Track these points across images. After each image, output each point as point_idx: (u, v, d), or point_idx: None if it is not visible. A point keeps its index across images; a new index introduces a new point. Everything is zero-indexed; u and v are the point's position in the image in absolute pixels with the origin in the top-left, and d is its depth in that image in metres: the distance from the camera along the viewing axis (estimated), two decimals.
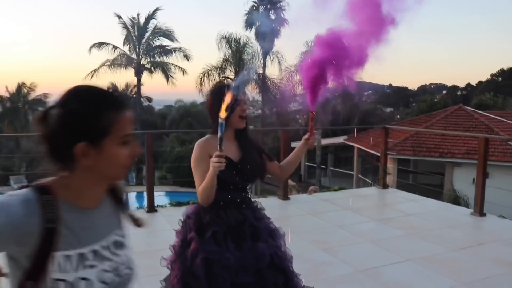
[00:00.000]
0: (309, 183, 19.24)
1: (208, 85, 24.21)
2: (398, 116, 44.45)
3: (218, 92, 2.09)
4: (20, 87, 27.62)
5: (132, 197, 20.04)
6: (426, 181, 16.85)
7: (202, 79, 24.53)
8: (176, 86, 28.17)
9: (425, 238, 4.78)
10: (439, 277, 3.77)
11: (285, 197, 6.47)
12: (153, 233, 5.08)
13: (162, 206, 5.98)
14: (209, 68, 24.60)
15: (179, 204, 6.07)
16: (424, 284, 3.63)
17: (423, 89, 74.87)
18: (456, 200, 12.62)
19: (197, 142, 2.18)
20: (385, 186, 7.27)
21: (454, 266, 4.00)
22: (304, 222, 5.42)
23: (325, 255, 4.26)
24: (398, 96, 70.54)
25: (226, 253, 2.05)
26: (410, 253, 4.30)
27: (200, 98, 28.37)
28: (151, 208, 5.69)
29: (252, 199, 2.34)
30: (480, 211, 5.66)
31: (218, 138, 1.85)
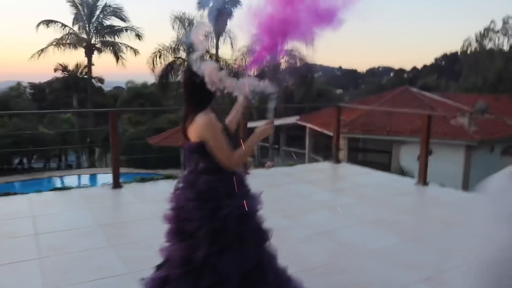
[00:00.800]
0: (263, 163, 19.73)
1: (160, 66, 23.95)
2: (347, 97, 45.69)
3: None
4: None
5: (85, 179, 19.80)
6: (374, 159, 17.80)
7: (154, 59, 24.23)
8: (127, 67, 27.57)
9: (375, 205, 5.26)
10: (387, 235, 4.24)
11: (245, 172, 6.79)
12: (120, 207, 5.30)
13: (126, 182, 6.15)
14: (161, 48, 24.31)
15: (142, 180, 6.27)
16: (375, 241, 4.07)
17: (372, 71, 76.94)
18: (403, 175, 13.49)
19: (207, 117, 2.28)
20: (337, 161, 7.75)
21: (400, 226, 4.49)
22: (265, 193, 5.76)
23: (286, 220, 4.64)
24: (347, 78, 72.32)
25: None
26: (362, 217, 4.75)
27: (151, 79, 27.91)
28: (117, 185, 5.85)
29: None
30: (423, 181, 6.23)
31: (272, 109, 2.31)
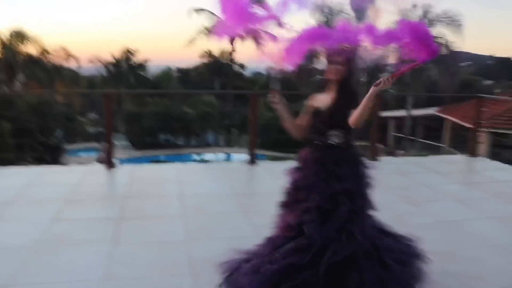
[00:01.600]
0: (396, 152, 19.15)
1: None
2: (499, 89, 41.53)
3: None
4: (125, 53, 29.77)
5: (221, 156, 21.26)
6: None
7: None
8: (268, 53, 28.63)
9: (509, 202, 4.97)
10: None
11: (374, 158, 6.85)
12: (253, 180, 5.83)
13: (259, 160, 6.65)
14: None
15: (275, 158, 6.75)
16: (499, 237, 3.92)
17: None
18: None
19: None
20: (474, 154, 7.35)
21: None
22: (391, 180, 5.81)
23: (409, 206, 4.67)
24: (501, 67, 65.49)
25: None
26: (492, 212, 4.56)
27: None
28: (253, 161, 6.38)
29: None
30: None
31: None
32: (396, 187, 5.43)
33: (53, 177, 5.55)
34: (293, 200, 2.69)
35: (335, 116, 2.62)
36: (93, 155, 19.16)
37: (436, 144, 21.42)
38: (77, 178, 5.36)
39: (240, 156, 11.83)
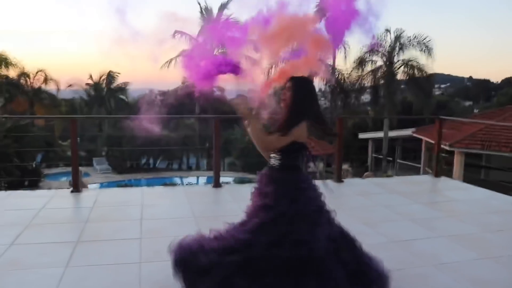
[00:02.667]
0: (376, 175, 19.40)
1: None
2: (477, 110, 42.49)
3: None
4: (105, 76, 29.84)
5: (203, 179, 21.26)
6: (500, 177, 16.41)
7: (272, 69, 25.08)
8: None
9: (463, 220, 5.13)
10: (465, 250, 4.18)
11: (339, 180, 7.01)
12: (217, 203, 5.91)
13: (226, 183, 6.77)
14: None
15: (241, 182, 6.86)
16: (449, 255, 4.06)
17: (508, 81, 70.33)
18: None
19: None
20: (437, 174, 7.55)
21: (483, 244, 4.37)
22: (352, 201, 5.96)
23: (364, 227, 4.79)
24: (479, 89, 67.07)
25: None
26: (444, 231, 4.71)
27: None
28: (217, 184, 6.48)
29: None
30: None
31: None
32: (356, 208, 5.57)
33: (18, 201, 5.57)
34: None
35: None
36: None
37: (414, 164, 21.77)
38: (42, 203, 5.39)
39: (225, 179, 11.99)
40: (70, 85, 28.40)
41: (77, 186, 6.00)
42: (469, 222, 5.05)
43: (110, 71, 30.11)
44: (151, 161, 26.64)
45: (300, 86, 2.80)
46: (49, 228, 4.54)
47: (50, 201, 5.54)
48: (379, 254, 4.04)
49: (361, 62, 22.25)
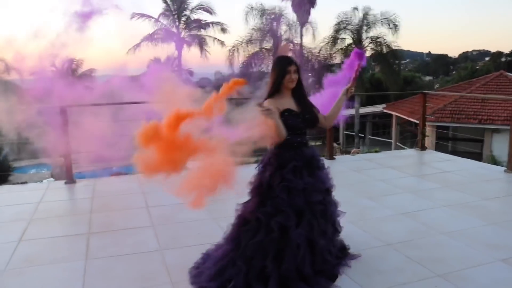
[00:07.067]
0: (348, 152, 19.75)
1: (238, 58, 24.61)
2: (438, 85, 43.68)
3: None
4: (69, 63, 28.78)
5: None
6: (465, 148, 17.10)
7: (235, 51, 24.84)
8: (213, 59, 28.67)
9: (459, 190, 5.33)
10: (470, 218, 4.36)
11: (331, 157, 7.10)
12: None
13: None
14: (242, 41, 24.81)
15: None
16: (456, 223, 4.22)
17: (465, 56, 72.51)
18: (495, 165, 12.92)
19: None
20: (423, 148, 7.77)
21: (484, 211, 4.56)
22: (349, 177, 6.06)
23: (369, 201, 4.91)
24: (438, 64, 68.82)
25: (300, 180, 2.76)
26: (445, 201, 4.88)
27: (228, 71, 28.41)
28: None
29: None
30: None
31: None
32: (355, 183, 5.67)
33: (11, 197, 5.38)
34: None
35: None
36: (46, 171, 18.48)
37: (385, 140, 22.30)
38: (38, 196, 5.22)
39: None
40: (33, 73, 27.19)
41: (70, 177, 5.84)
42: (465, 192, 5.24)
43: (72, 58, 29.07)
44: None
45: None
46: (54, 221, 4.41)
47: (45, 194, 5.37)
48: (391, 226, 4.19)
49: (334, 40, 22.39)
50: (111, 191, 5.45)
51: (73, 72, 28.44)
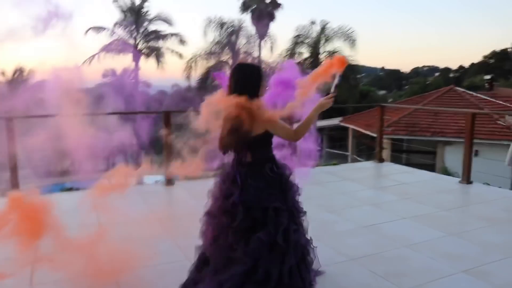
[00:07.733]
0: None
1: (196, 70, 24.36)
2: (391, 99, 44.96)
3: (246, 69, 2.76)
4: (18, 71, 27.66)
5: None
6: (418, 160, 17.54)
7: (193, 63, 24.57)
8: (170, 71, 28.35)
9: (418, 201, 5.36)
10: (430, 230, 4.36)
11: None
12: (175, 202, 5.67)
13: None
14: (200, 53, 24.57)
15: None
16: (417, 235, 4.21)
17: (416, 71, 75.16)
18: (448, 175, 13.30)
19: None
20: (381, 160, 7.85)
21: (443, 222, 4.59)
22: (309, 190, 5.97)
23: (330, 215, 4.84)
24: (391, 78, 71.02)
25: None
26: (405, 213, 4.89)
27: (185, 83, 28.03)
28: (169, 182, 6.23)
29: None
30: (467, 179, 6.26)
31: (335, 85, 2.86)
32: (316, 197, 5.60)
33: None
34: None
35: None
36: None
37: (342, 152, 22.58)
38: None
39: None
40: None
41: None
42: (424, 203, 5.28)
43: (20, 67, 28.02)
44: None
45: None
46: None
47: None
48: (353, 240, 4.12)
49: (291, 55, 22.56)
50: (59, 208, 5.11)
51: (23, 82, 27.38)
